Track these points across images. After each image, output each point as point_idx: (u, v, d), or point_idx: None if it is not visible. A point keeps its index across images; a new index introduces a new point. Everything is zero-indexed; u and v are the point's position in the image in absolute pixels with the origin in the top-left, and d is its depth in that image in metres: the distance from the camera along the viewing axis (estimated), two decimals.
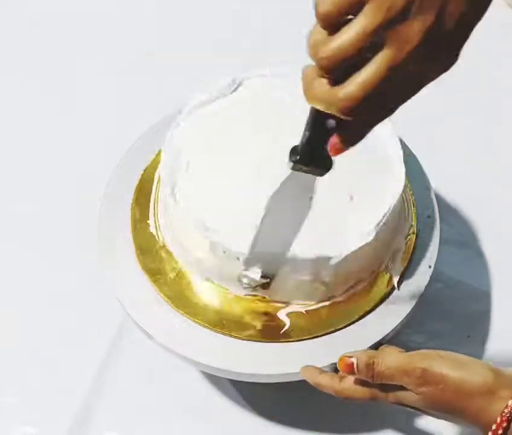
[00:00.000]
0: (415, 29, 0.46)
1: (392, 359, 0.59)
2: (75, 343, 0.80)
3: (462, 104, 0.97)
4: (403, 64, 0.47)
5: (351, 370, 0.60)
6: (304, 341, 0.68)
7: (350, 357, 0.60)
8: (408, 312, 0.69)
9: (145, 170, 0.79)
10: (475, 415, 0.56)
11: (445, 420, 0.60)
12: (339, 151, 0.52)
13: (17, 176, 0.93)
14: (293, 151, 0.54)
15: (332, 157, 0.53)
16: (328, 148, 0.52)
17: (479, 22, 0.49)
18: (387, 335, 0.68)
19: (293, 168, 0.54)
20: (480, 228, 0.87)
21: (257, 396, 0.76)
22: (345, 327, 0.69)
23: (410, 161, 0.78)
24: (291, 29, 1.07)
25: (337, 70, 0.48)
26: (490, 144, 0.93)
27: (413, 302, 0.70)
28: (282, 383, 0.68)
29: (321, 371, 0.64)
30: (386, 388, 0.60)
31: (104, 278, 0.73)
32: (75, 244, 0.86)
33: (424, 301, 0.71)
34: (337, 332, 0.68)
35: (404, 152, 0.73)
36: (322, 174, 0.54)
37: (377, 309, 0.70)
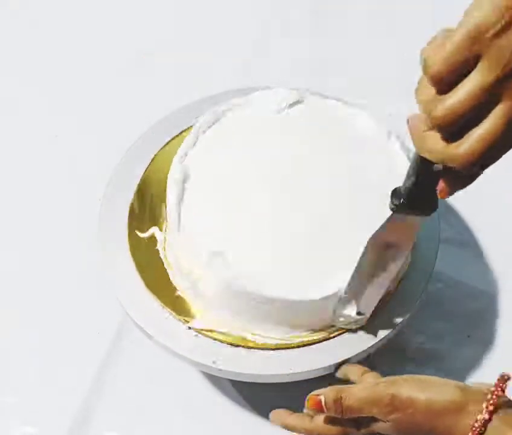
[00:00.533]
0: None
1: (358, 390, 0.59)
2: (75, 343, 0.80)
3: None
4: None
5: (319, 407, 0.60)
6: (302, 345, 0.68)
7: (318, 395, 0.60)
8: (408, 312, 0.69)
9: (145, 170, 0.79)
10: (446, 433, 0.56)
11: None
12: (447, 194, 0.52)
13: (16, 176, 0.93)
14: (395, 194, 0.54)
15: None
16: (438, 192, 0.52)
17: None
18: (387, 335, 0.68)
19: (397, 212, 0.54)
20: (480, 228, 0.87)
21: (257, 396, 0.76)
22: (344, 327, 0.69)
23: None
24: (291, 29, 1.07)
25: (453, 129, 0.48)
26: None
27: (413, 303, 0.70)
28: (282, 383, 0.68)
29: (290, 413, 0.64)
30: (357, 421, 0.60)
31: (104, 278, 0.73)
32: (75, 244, 0.86)
33: (424, 301, 0.71)
34: (336, 333, 0.68)
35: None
36: (429, 214, 0.55)
37: (378, 310, 0.70)
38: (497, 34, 0.46)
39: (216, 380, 0.76)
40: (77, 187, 0.91)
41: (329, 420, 0.61)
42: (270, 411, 0.74)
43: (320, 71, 1.01)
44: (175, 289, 0.71)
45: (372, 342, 0.68)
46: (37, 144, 0.96)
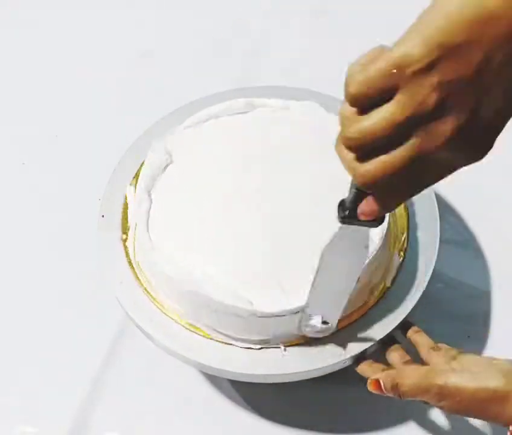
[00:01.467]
0: (447, 125, 0.46)
1: (411, 379, 0.63)
2: (75, 343, 0.80)
3: None
4: (431, 154, 0.47)
5: (380, 390, 0.64)
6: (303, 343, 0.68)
7: (377, 380, 0.64)
8: (408, 312, 0.69)
9: None
10: (493, 419, 0.59)
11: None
12: (369, 214, 0.52)
13: (16, 176, 0.93)
14: (341, 205, 0.54)
15: None
16: (358, 211, 0.52)
17: None
18: (387, 334, 0.68)
19: (343, 223, 0.55)
20: (480, 228, 0.87)
21: (257, 396, 0.76)
22: (344, 327, 0.69)
23: None
24: (292, 29, 1.07)
25: (362, 150, 0.48)
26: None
27: (413, 303, 0.70)
28: (282, 383, 0.68)
29: (371, 364, 0.68)
30: None
31: (104, 278, 0.73)
32: (75, 244, 0.86)
33: (424, 301, 0.71)
34: (336, 333, 0.68)
35: None
36: (374, 226, 0.55)
37: (377, 309, 0.70)
38: (418, 72, 0.45)
39: (216, 380, 0.76)
40: (77, 187, 0.91)
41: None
42: (270, 411, 0.74)
43: (320, 71, 1.01)
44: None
45: (372, 342, 0.68)
46: (37, 144, 0.96)
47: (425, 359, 0.66)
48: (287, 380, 0.68)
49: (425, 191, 0.75)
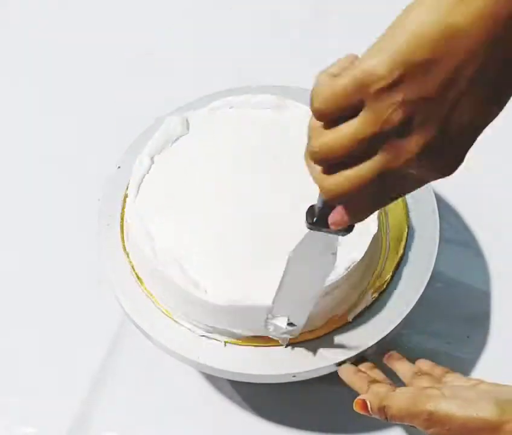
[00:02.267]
0: (413, 142, 0.46)
1: (399, 403, 0.60)
2: (75, 343, 0.80)
3: None
4: (398, 170, 0.47)
5: (366, 411, 0.63)
6: (303, 342, 0.68)
7: (363, 400, 0.63)
8: (407, 312, 0.69)
9: None
10: None
11: None
12: (339, 224, 0.51)
13: (16, 176, 0.93)
14: (310, 211, 0.54)
15: None
16: (329, 220, 0.51)
17: (487, 125, 0.47)
18: (387, 335, 0.68)
19: (311, 229, 0.54)
20: (480, 228, 0.87)
21: (257, 396, 0.76)
22: (344, 326, 0.69)
23: None
24: (292, 29, 1.07)
25: (327, 164, 0.48)
26: (490, 143, 0.93)
27: (413, 303, 0.70)
28: (281, 383, 0.68)
29: (356, 371, 0.66)
30: None
31: (104, 278, 0.73)
32: (75, 244, 0.86)
33: (424, 301, 0.71)
34: (337, 332, 0.68)
35: None
36: (342, 235, 0.54)
37: (376, 309, 0.70)
38: (382, 90, 0.45)
39: (216, 380, 0.76)
40: (77, 187, 0.91)
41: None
42: (270, 411, 0.74)
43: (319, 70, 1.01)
44: None
45: (372, 343, 0.68)
46: (36, 143, 0.96)
47: (410, 386, 0.65)
48: (286, 381, 0.68)
49: (425, 191, 0.76)
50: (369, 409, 0.62)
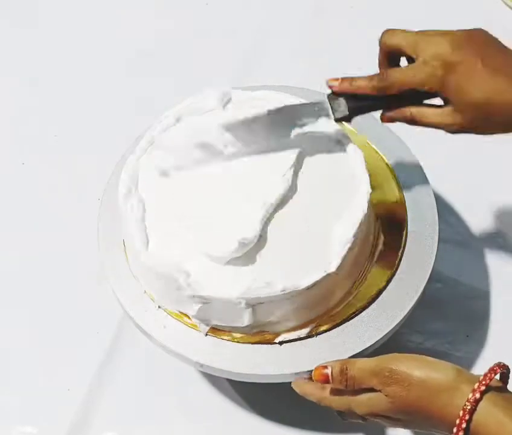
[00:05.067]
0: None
1: (362, 362, 0.62)
2: (75, 343, 0.80)
3: None
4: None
5: (326, 378, 0.63)
6: (302, 341, 0.68)
7: (324, 367, 0.64)
8: (407, 311, 0.69)
9: None
10: (440, 412, 0.58)
11: (414, 427, 0.63)
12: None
13: (16, 176, 0.93)
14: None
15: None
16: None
17: None
18: (387, 334, 0.68)
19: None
20: (480, 228, 0.87)
21: (257, 396, 0.76)
22: (343, 324, 0.69)
23: (410, 161, 0.78)
24: (292, 29, 1.07)
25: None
26: (490, 143, 0.93)
27: (412, 302, 0.70)
28: (281, 383, 0.68)
29: (308, 381, 0.66)
30: (359, 396, 0.62)
31: (104, 278, 0.73)
32: (75, 244, 0.86)
33: (423, 301, 0.71)
34: (335, 332, 0.68)
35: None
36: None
37: (376, 309, 0.70)
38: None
39: (216, 380, 0.77)
40: (77, 187, 0.91)
41: (335, 392, 0.64)
42: (270, 411, 0.74)
43: (320, 70, 1.01)
44: None
45: (371, 342, 0.68)
46: (36, 143, 0.96)
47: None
48: (286, 381, 0.68)
49: (424, 191, 0.77)
50: (330, 374, 0.62)
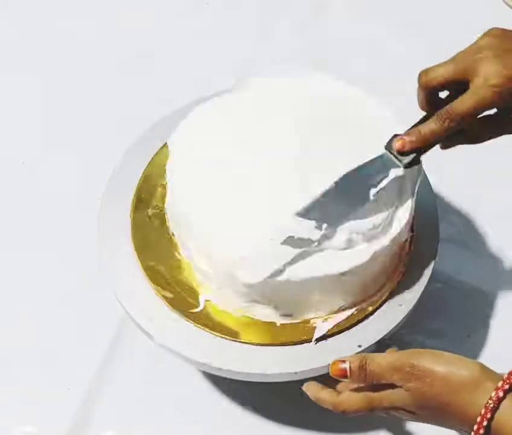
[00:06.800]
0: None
1: (381, 357, 0.61)
2: (75, 343, 0.80)
3: None
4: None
5: (344, 373, 0.62)
6: (302, 341, 0.68)
7: (342, 361, 0.62)
8: (407, 311, 0.69)
9: (144, 170, 0.79)
10: (462, 409, 0.57)
11: (435, 422, 0.61)
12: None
13: (16, 176, 0.93)
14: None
15: None
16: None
17: None
18: (387, 334, 0.68)
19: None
20: (480, 227, 0.87)
21: (257, 396, 0.76)
22: (343, 325, 0.69)
23: None
24: (291, 29, 1.07)
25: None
26: (490, 143, 0.93)
27: (413, 302, 0.70)
28: (281, 383, 0.68)
29: (323, 387, 0.65)
30: (378, 391, 0.62)
31: (104, 278, 0.73)
32: (75, 244, 0.86)
33: (424, 300, 0.71)
34: (336, 332, 0.68)
35: None
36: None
37: (376, 309, 0.70)
38: None
39: (216, 379, 0.76)
40: (77, 187, 0.91)
41: (353, 394, 0.63)
42: (270, 411, 0.74)
43: (320, 70, 1.01)
44: (175, 287, 0.71)
45: (372, 342, 0.68)
46: (36, 143, 0.96)
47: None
48: (286, 380, 0.68)
49: (425, 191, 0.77)
50: (348, 369, 0.61)
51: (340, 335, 0.68)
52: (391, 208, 0.69)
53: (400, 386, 0.60)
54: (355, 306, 0.69)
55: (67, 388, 0.77)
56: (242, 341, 0.68)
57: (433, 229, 0.75)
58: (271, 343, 0.68)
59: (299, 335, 0.68)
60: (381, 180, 0.68)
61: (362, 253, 0.67)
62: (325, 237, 0.67)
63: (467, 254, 0.85)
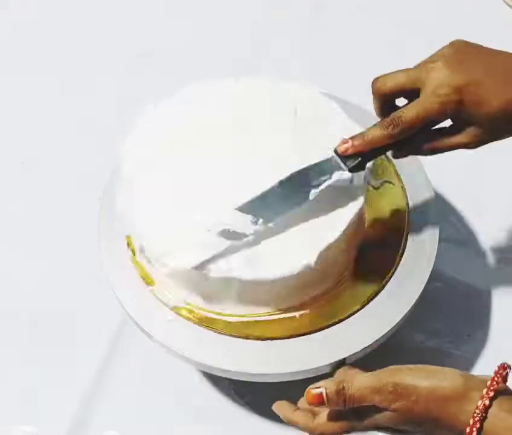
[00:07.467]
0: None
1: (361, 380, 0.59)
2: (75, 343, 0.80)
3: None
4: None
5: (320, 400, 0.59)
6: (303, 340, 0.68)
7: (317, 387, 0.60)
8: (407, 311, 0.69)
9: None
10: (450, 421, 0.56)
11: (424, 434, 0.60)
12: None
13: (16, 176, 0.93)
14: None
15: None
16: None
17: None
18: (386, 333, 0.68)
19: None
20: (480, 227, 0.87)
21: (257, 396, 0.76)
22: (341, 323, 0.69)
23: (411, 160, 0.78)
24: (292, 29, 1.08)
25: None
26: (490, 144, 0.93)
27: (413, 302, 0.70)
28: (282, 383, 0.68)
29: (295, 409, 0.64)
30: (360, 414, 0.60)
31: (104, 278, 0.73)
32: (75, 244, 0.86)
33: (424, 300, 0.71)
34: (336, 330, 0.68)
35: None
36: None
37: (376, 308, 0.70)
38: None
39: (216, 380, 0.77)
40: (77, 187, 0.91)
41: (332, 417, 0.61)
42: (270, 411, 0.74)
43: (320, 70, 1.02)
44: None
45: (372, 341, 0.68)
46: (36, 143, 0.96)
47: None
48: (286, 380, 0.68)
49: (425, 190, 0.77)
50: (324, 395, 0.59)
51: (337, 334, 0.68)
52: (336, 208, 0.70)
53: (384, 408, 0.58)
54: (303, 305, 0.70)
55: (67, 388, 0.77)
56: (242, 339, 0.68)
57: (433, 229, 0.75)
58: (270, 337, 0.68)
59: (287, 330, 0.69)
60: (324, 182, 0.68)
61: (295, 256, 0.67)
62: (264, 234, 0.68)
63: (466, 253, 0.85)
